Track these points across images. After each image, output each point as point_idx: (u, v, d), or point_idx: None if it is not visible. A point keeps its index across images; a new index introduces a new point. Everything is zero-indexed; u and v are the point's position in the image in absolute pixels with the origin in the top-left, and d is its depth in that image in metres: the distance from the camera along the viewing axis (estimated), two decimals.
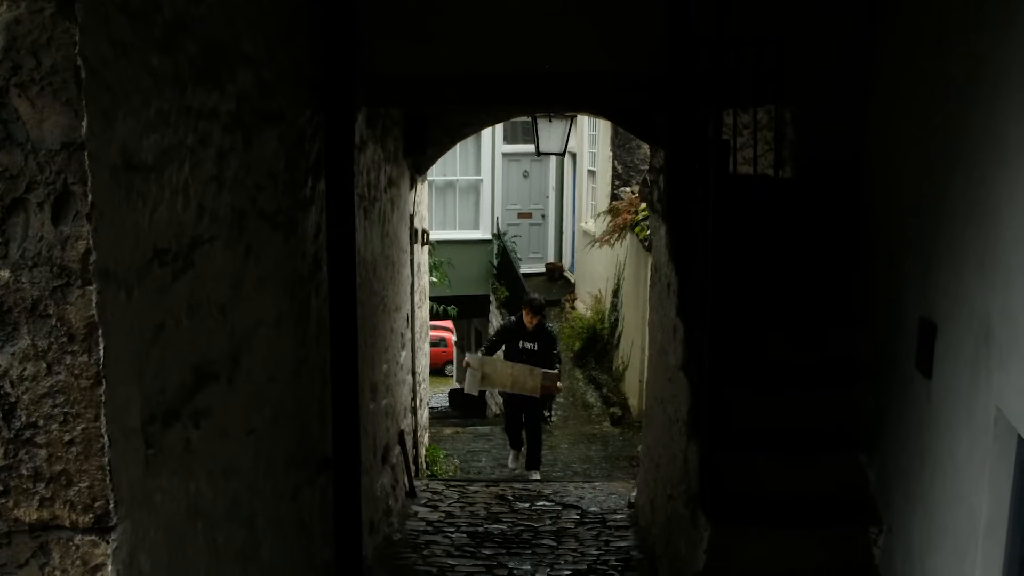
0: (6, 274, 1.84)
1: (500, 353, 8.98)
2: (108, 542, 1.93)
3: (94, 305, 1.85)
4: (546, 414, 11.31)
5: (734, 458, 4.13)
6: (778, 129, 5.05)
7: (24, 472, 1.90)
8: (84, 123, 1.81)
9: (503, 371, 8.43)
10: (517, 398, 8.52)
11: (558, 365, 8.73)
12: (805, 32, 4.54)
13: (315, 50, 3.94)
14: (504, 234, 17.02)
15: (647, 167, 9.52)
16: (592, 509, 6.90)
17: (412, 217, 7.44)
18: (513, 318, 9.06)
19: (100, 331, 1.87)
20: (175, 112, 2.31)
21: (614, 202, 12.80)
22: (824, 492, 4.11)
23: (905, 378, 3.60)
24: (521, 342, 8.55)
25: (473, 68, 4.63)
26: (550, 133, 9.84)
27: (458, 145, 9.97)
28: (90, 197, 1.83)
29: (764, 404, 4.32)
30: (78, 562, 1.93)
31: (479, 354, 9.28)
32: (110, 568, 1.94)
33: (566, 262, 17.75)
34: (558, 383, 8.67)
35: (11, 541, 1.93)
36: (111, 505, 1.92)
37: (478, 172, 17.58)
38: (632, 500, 6.89)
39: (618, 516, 6.73)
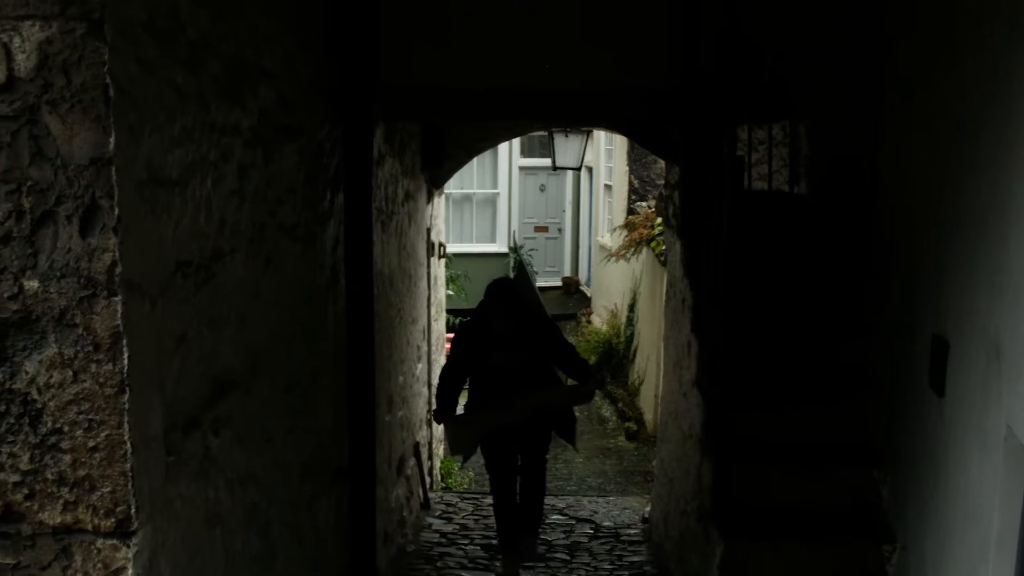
0: (35, 284, 1.90)
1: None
2: (129, 546, 1.98)
3: (119, 315, 1.91)
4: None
5: (747, 471, 4.14)
6: (792, 145, 5.08)
7: (49, 476, 1.96)
8: (112, 139, 1.87)
9: (498, 409, 5.24)
10: (509, 434, 5.31)
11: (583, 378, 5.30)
12: (819, 48, 4.57)
13: (334, 66, 4.01)
14: (521, 247, 17.07)
15: (663, 182, 9.55)
16: (606, 524, 6.90)
17: (429, 230, 7.51)
18: (468, 319, 5.43)
19: (124, 340, 1.92)
20: (198, 128, 2.38)
21: (630, 216, 12.82)
22: (837, 507, 4.11)
23: (917, 395, 3.61)
24: (492, 355, 5.09)
25: (489, 83, 4.68)
26: (566, 147, 9.91)
27: (475, 159, 10.06)
28: (117, 211, 1.88)
29: (777, 418, 4.33)
30: (99, 565, 1.98)
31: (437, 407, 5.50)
32: (131, 572, 1.99)
33: (582, 276, 17.76)
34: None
35: (35, 543, 1.98)
36: (132, 510, 1.97)
37: (495, 186, 17.66)
38: (646, 515, 6.89)
39: (632, 531, 6.73)
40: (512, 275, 16.35)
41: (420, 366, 7.14)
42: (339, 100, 4.07)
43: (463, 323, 5.50)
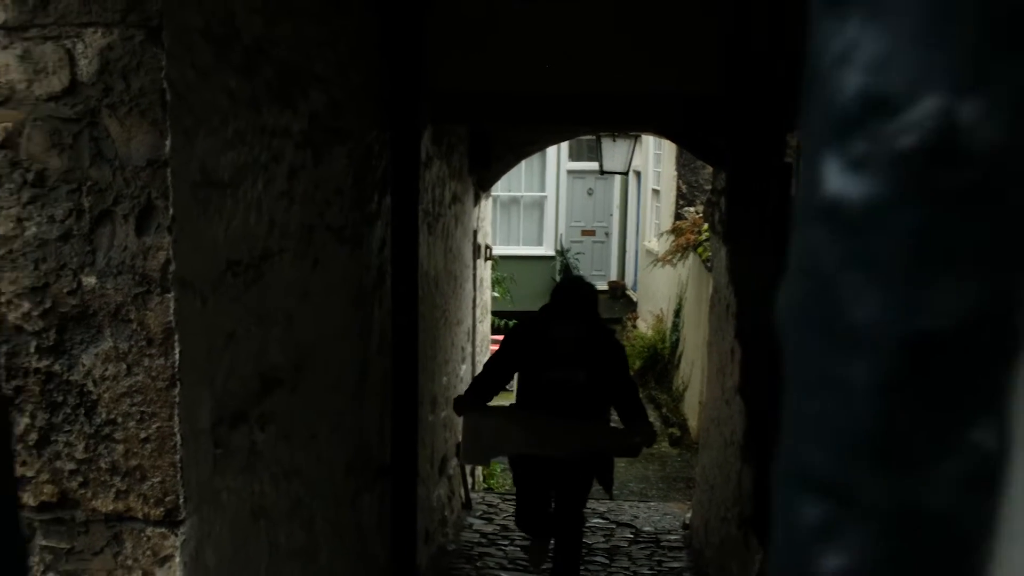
0: (93, 280, 1.98)
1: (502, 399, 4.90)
2: (177, 535, 2.05)
3: (172, 312, 1.98)
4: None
5: None
6: None
7: (102, 466, 2.03)
8: (168, 142, 1.94)
9: (528, 429, 4.34)
10: (546, 465, 4.45)
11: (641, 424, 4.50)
12: None
13: (383, 70, 4.08)
14: (567, 251, 17.08)
15: (711, 187, 9.49)
16: (646, 529, 6.89)
17: (475, 232, 7.56)
18: (530, 320, 4.54)
19: (176, 336, 1.99)
20: (251, 131, 2.45)
21: (678, 222, 12.76)
22: None
23: None
24: (549, 370, 4.31)
25: (532, 87, 4.71)
26: (614, 152, 9.90)
27: (523, 162, 10.10)
28: (171, 211, 1.96)
29: None
30: (148, 552, 2.06)
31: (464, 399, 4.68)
32: (178, 560, 2.05)
33: (629, 280, 17.71)
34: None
35: (88, 530, 2.06)
36: (181, 500, 2.04)
37: (543, 189, 17.69)
38: (687, 521, 6.86)
39: (672, 537, 6.71)
40: (559, 279, 16.39)
41: (464, 367, 7.20)
42: (388, 104, 4.14)
43: (521, 323, 4.69)
